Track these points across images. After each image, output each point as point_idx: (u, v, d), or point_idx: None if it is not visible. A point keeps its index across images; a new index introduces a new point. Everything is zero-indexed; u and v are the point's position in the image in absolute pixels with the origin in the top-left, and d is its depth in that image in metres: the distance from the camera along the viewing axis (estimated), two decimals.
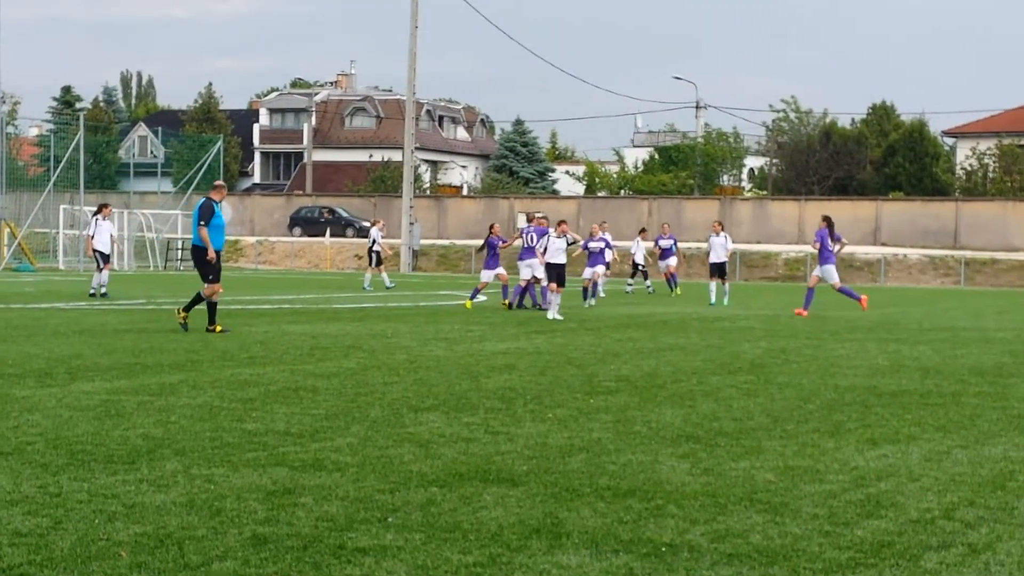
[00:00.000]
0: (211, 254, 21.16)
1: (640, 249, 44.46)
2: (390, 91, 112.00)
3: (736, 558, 6.91)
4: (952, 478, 9.21)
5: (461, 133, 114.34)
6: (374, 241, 43.34)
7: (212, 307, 21.33)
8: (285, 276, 59.68)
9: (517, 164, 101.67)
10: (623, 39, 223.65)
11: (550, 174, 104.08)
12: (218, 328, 21.02)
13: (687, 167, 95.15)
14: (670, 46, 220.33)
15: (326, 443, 10.19)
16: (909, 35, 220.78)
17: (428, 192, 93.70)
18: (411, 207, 70.56)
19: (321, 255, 75.30)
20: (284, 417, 11.54)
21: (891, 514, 7.98)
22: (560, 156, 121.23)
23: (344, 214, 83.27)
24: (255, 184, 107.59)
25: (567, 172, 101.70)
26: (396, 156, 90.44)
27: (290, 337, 20.66)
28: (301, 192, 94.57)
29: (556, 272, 27.91)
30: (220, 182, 22.49)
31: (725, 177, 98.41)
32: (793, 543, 7.22)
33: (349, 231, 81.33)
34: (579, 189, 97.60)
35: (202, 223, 21.18)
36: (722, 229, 36.35)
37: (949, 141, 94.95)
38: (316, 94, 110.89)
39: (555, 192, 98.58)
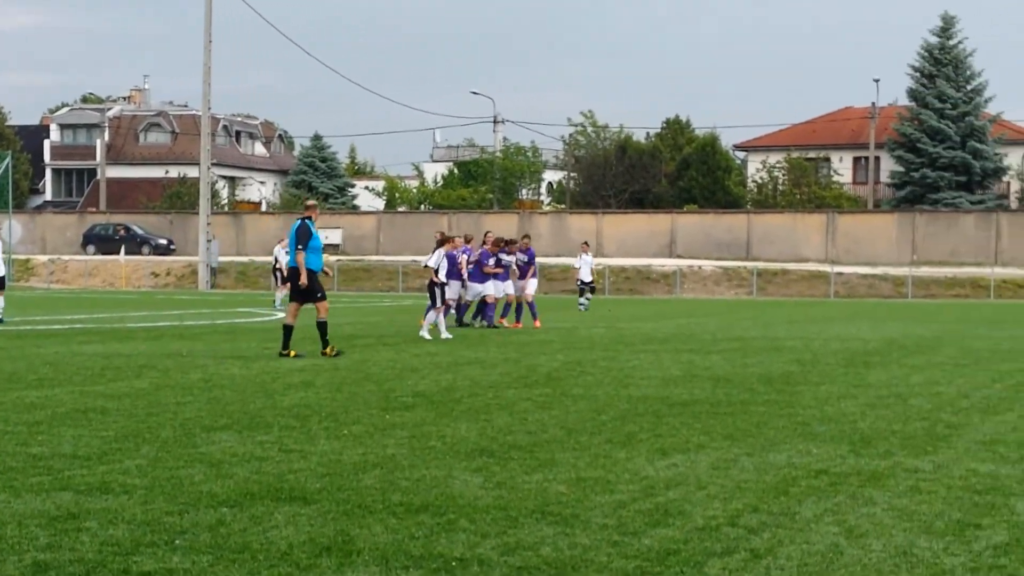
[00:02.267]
0: (304, 279, 20.81)
1: (585, 265, 43.63)
2: (185, 106, 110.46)
3: (526, 570, 6.97)
4: (738, 485, 9.41)
5: (259, 148, 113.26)
6: (277, 259, 42.71)
7: (324, 328, 20.95)
8: (79, 295, 58.33)
9: (316, 179, 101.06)
10: (421, 54, 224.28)
11: (350, 189, 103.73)
12: (332, 350, 20.72)
13: (486, 181, 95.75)
14: (468, 61, 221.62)
15: (114, 465, 9.98)
16: (701, 51, 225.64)
17: (226, 208, 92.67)
18: (208, 224, 69.65)
19: (116, 273, 73.86)
20: (71, 440, 11.27)
21: (678, 522, 8.12)
22: (359, 171, 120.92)
23: (139, 231, 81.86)
24: (47, 201, 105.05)
25: (367, 187, 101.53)
26: (192, 172, 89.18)
27: (81, 357, 20.20)
28: (95, 209, 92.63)
29: (443, 291, 26.49)
30: (312, 200, 22.22)
31: (524, 191, 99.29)
32: (582, 554, 7.30)
33: (145, 248, 79.95)
34: (379, 204, 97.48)
35: (300, 247, 20.76)
36: (466, 243, 33.09)
37: (740, 155, 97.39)
38: (109, 109, 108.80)
39: (355, 207, 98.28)
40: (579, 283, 44.02)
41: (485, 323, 30.44)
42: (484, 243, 31.25)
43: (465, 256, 29.31)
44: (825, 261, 71.08)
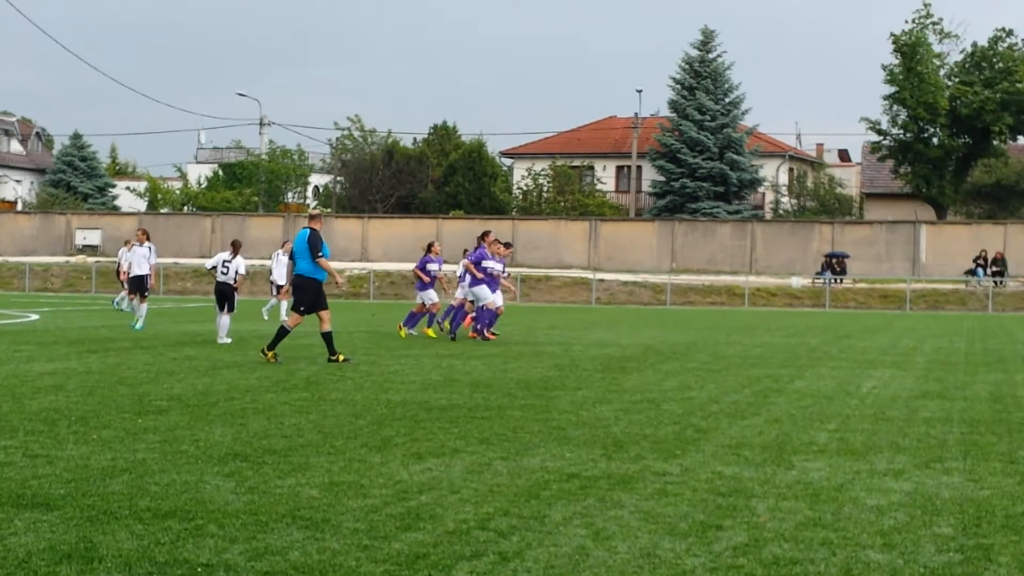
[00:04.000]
0: (339, 279, 21.83)
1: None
2: None
3: (273, 575, 6.91)
4: (491, 489, 9.48)
5: (15, 146, 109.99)
6: (120, 264, 40.84)
7: (329, 337, 21.36)
8: None
9: (75, 179, 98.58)
10: (186, 53, 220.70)
11: (110, 189, 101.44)
12: (340, 357, 21.17)
13: (251, 184, 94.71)
14: (234, 62, 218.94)
15: None
16: (468, 58, 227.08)
17: None
18: None
19: None
20: None
21: (429, 526, 8.15)
22: (121, 171, 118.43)
23: None
24: None
25: (128, 188, 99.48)
26: None
27: None
28: None
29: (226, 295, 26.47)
30: (318, 210, 22.03)
31: (290, 194, 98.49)
32: (331, 558, 7.28)
33: None
34: (141, 205, 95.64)
35: (320, 255, 20.91)
36: (147, 239, 32.13)
37: (507, 161, 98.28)
38: None
39: (116, 208, 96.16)
40: None
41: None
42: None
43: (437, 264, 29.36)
44: (588, 268, 72.17)
